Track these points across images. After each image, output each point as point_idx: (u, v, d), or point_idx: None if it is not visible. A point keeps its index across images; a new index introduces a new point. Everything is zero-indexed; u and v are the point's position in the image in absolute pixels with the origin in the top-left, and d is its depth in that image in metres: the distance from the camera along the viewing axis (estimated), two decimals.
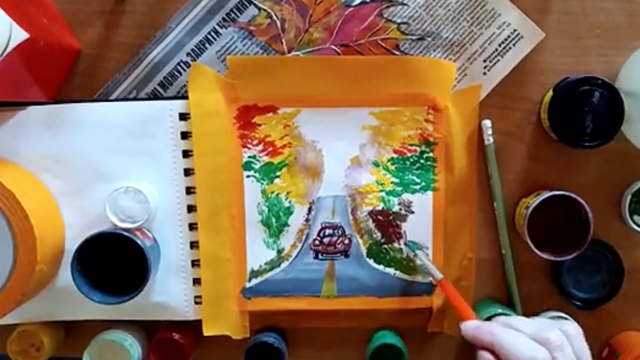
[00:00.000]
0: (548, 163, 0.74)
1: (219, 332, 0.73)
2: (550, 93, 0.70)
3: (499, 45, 0.73)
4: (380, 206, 0.73)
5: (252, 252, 0.74)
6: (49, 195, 0.71)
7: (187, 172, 0.72)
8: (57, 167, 0.71)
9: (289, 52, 0.73)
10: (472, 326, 0.58)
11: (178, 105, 0.71)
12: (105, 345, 0.71)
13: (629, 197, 0.72)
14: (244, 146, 0.73)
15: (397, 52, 0.73)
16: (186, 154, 0.72)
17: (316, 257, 0.74)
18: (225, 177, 0.72)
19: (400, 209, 0.73)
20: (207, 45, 0.73)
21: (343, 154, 0.73)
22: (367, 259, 0.74)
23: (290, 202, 0.73)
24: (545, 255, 0.70)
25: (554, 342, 0.53)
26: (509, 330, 0.55)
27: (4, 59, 0.60)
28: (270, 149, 0.73)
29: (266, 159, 0.73)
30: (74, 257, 0.66)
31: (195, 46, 0.73)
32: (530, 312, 0.74)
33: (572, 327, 0.56)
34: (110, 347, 0.71)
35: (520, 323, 0.56)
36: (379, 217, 0.74)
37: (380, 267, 0.74)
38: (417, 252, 0.72)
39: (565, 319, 0.72)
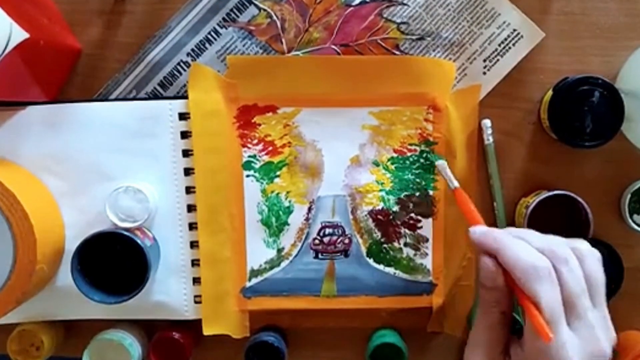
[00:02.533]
0: (548, 163, 0.74)
1: (218, 332, 0.73)
2: (550, 93, 0.70)
3: (499, 45, 0.73)
4: (380, 206, 0.73)
5: (252, 252, 0.74)
6: (49, 195, 0.71)
7: (187, 171, 0.72)
8: (57, 167, 0.71)
9: (289, 52, 0.73)
10: (479, 230, 0.56)
11: (178, 105, 0.71)
12: (105, 344, 0.71)
13: (629, 196, 0.72)
14: (244, 146, 0.73)
15: (397, 52, 0.73)
16: (186, 153, 0.72)
17: (316, 257, 0.74)
18: (225, 177, 0.72)
19: (400, 209, 0.73)
20: (207, 45, 0.73)
21: (343, 153, 0.73)
22: (367, 259, 0.74)
23: (290, 201, 0.73)
24: None
25: (560, 254, 0.51)
26: (515, 238, 0.53)
27: (4, 59, 0.60)
28: (270, 148, 0.73)
29: (266, 158, 0.73)
30: (74, 256, 0.66)
31: (195, 46, 0.73)
32: None
33: (586, 247, 0.53)
34: (110, 347, 0.71)
35: (530, 235, 0.54)
36: (379, 217, 0.74)
37: (380, 267, 0.74)
38: (437, 162, 0.71)
39: None
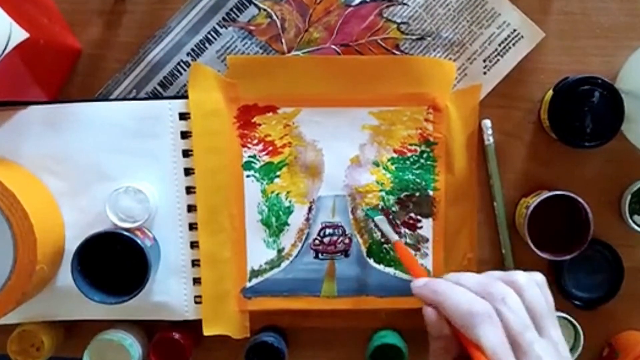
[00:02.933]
0: (548, 163, 0.74)
1: (219, 332, 0.73)
2: (550, 93, 0.70)
3: (499, 45, 0.73)
4: (380, 206, 0.73)
5: (252, 252, 0.74)
6: (49, 195, 0.71)
7: (187, 171, 0.72)
8: (57, 167, 0.71)
9: (289, 51, 0.73)
10: (419, 284, 0.56)
11: (178, 105, 0.71)
12: (105, 345, 0.71)
13: (629, 197, 0.72)
14: (244, 146, 0.73)
15: (397, 52, 0.73)
16: (186, 153, 0.72)
17: (316, 257, 0.74)
18: (225, 177, 0.72)
19: (400, 209, 0.73)
20: (207, 45, 0.73)
21: (343, 153, 0.73)
22: (367, 259, 0.74)
23: (290, 201, 0.73)
24: (545, 255, 0.70)
25: (496, 294, 0.51)
26: (452, 285, 0.53)
27: (4, 59, 0.60)
28: (270, 148, 0.73)
29: (266, 158, 0.73)
30: (74, 256, 0.66)
31: (195, 46, 0.73)
32: None
33: (522, 277, 0.53)
34: (110, 347, 0.71)
35: (467, 278, 0.54)
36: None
37: (381, 267, 0.74)
38: (376, 219, 0.72)
39: (565, 318, 0.72)
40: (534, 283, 0.53)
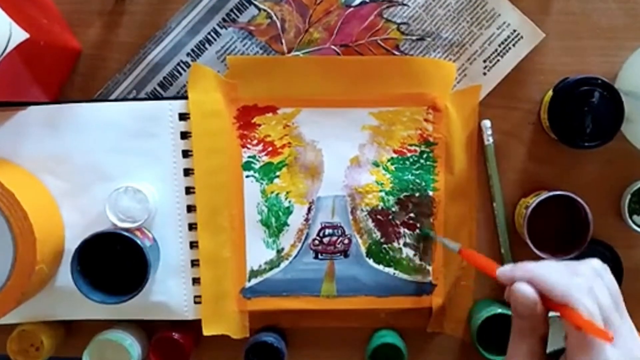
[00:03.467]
0: (548, 163, 0.74)
1: (218, 332, 0.73)
2: (550, 93, 0.70)
3: (499, 46, 0.73)
4: (380, 206, 0.73)
5: (251, 252, 0.74)
6: (49, 195, 0.71)
7: (187, 172, 0.72)
8: (57, 167, 0.71)
9: (289, 52, 0.73)
10: (506, 269, 0.56)
11: (178, 106, 0.71)
12: (105, 344, 0.71)
13: (629, 197, 0.72)
14: (244, 146, 0.73)
15: (397, 53, 0.73)
16: (186, 154, 0.72)
17: (316, 257, 0.74)
18: (224, 177, 0.72)
19: (400, 209, 0.73)
20: (207, 45, 0.73)
21: (343, 154, 0.73)
22: (367, 259, 0.74)
23: (289, 202, 0.73)
24: (545, 255, 0.70)
25: (588, 274, 0.52)
26: (547, 264, 0.54)
27: (4, 59, 0.60)
28: (270, 149, 0.73)
29: (266, 159, 0.73)
30: (73, 256, 0.66)
31: (195, 46, 0.73)
32: None
33: (599, 263, 0.55)
34: (110, 347, 0.71)
35: (546, 262, 0.55)
36: (379, 217, 0.74)
37: (380, 267, 0.74)
38: (431, 232, 0.73)
39: None
40: (608, 270, 0.55)
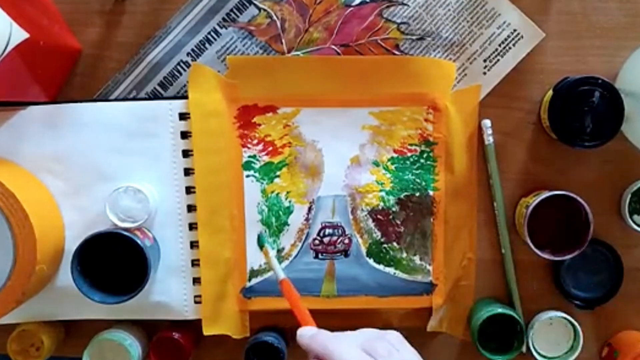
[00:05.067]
0: (548, 163, 0.74)
1: (218, 332, 0.73)
2: (550, 93, 0.70)
3: (499, 45, 0.73)
4: (380, 206, 0.73)
5: (252, 252, 0.74)
6: (49, 195, 0.71)
7: (187, 171, 0.72)
8: (57, 167, 0.71)
9: (289, 52, 0.73)
10: (307, 334, 0.57)
11: (178, 105, 0.71)
12: (105, 344, 0.71)
13: (629, 196, 0.72)
14: (244, 146, 0.73)
15: (397, 52, 0.73)
16: (186, 153, 0.72)
17: (316, 257, 0.74)
18: (225, 177, 0.72)
19: (400, 209, 0.73)
20: (207, 45, 0.73)
21: (343, 153, 0.73)
22: (367, 259, 0.74)
23: (290, 201, 0.73)
24: (545, 255, 0.70)
25: (382, 352, 0.53)
26: (341, 340, 0.55)
27: (4, 59, 0.60)
28: (270, 148, 0.73)
29: (266, 158, 0.73)
30: (73, 256, 0.66)
31: (195, 46, 0.73)
32: (530, 311, 0.74)
33: (395, 335, 0.56)
34: (110, 347, 0.71)
35: (349, 335, 0.56)
36: (379, 217, 0.74)
37: (380, 267, 0.74)
38: (266, 245, 0.72)
39: (565, 318, 0.72)
40: (404, 340, 0.56)
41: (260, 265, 0.74)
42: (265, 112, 0.73)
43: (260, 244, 0.73)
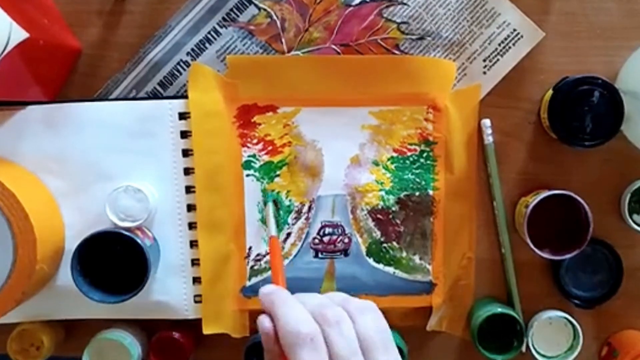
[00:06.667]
0: (548, 162, 0.74)
1: (218, 331, 0.73)
2: (550, 92, 0.70)
3: (499, 45, 0.73)
4: (380, 205, 0.73)
5: (251, 251, 0.74)
6: (49, 195, 0.71)
7: (187, 171, 0.72)
8: (57, 167, 0.71)
9: (289, 51, 0.73)
10: (266, 290, 0.55)
11: (178, 105, 0.71)
12: (105, 344, 0.71)
13: (629, 196, 0.72)
14: (244, 145, 0.73)
15: (397, 52, 0.73)
16: (186, 153, 0.72)
17: (316, 256, 0.74)
18: (225, 176, 0.72)
19: (400, 208, 0.73)
20: (207, 44, 0.73)
21: (343, 153, 0.73)
22: (367, 258, 0.74)
23: (290, 200, 0.73)
24: (545, 255, 0.70)
25: (330, 318, 0.49)
26: (291, 301, 0.52)
27: (4, 59, 0.60)
28: (270, 148, 0.73)
29: (266, 158, 0.73)
30: (73, 256, 0.66)
31: (195, 46, 0.73)
32: (530, 311, 0.74)
33: (359, 303, 0.52)
34: (110, 346, 0.71)
35: (310, 298, 0.53)
36: (379, 216, 0.74)
37: (380, 266, 0.74)
38: (269, 203, 0.72)
39: (565, 318, 0.72)
40: (369, 310, 0.52)
41: (260, 265, 0.74)
42: (265, 111, 0.73)
43: (265, 202, 0.73)
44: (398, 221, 0.74)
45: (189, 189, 0.72)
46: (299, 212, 0.74)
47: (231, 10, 0.72)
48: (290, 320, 0.50)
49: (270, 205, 0.72)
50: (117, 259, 0.70)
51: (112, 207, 0.69)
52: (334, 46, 0.73)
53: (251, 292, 0.74)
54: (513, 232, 0.74)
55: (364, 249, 0.74)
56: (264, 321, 0.52)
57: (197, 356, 0.76)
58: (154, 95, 0.73)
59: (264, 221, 0.73)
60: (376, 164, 0.73)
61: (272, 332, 0.51)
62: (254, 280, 0.74)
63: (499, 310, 0.71)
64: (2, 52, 0.60)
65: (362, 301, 0.52)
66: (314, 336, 0.49)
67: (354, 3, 0.72)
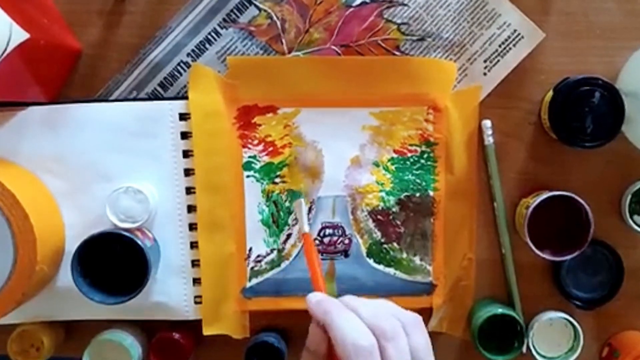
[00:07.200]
0: (548, 163, 0.74)
1: (218, 332, 0.73)
2: (551, 93, 0.70)
3: (499, 46, 0.73)
4: (380, 206, 0.73)
5: (252, 252, 0.74)
6: (49, 195, 0.71)
7: (187, 172, 0.72)
8: (57, 167, 0.71)
9: (289, 52, 0.73)
10: (314, 299, 0.55)
11: (178, 106, 0.71)
12: (105, 345, 0.71)
13: (629, 197, 0.72)
14: (244, 146, 0.73)
15: (397, 53, 0.73)
16: (186, 154, 0.72)
17: None
18: (225, 177, 0.72)
19: (400, 209, 0.73)
20: (207, 45, 0.73)
21: (343, 154, 0.73)
22: (367, 259, 0.74)
23: (290, 202, 0.73)
24: (545, 255, 0.70)
25: (388, 332, 0.50)
26: (345, 311, 0.52)
27: (4, 59, 0.60)
28: (271, 149, 0.73)
29: (266, 159, 0.73)
30: (74, 257, 0.66)
31: (196, 46, 0.73)
32: (530, 311, 0.74)
33: (411, 317, 0.53)
34: (110, 347, 0.71)
35: (362, 307, 0.53)
36: (379, 217, 0.74)
37: (380, 267, 0.74)
38: (297, 200, 0.71)
39: (565, 319, 0.72)
40: (419, 324, 0.53)
41: (261, 265, 0.74)
42: (266, 112, 0.73)
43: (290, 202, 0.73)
44: (398, 222, 0.74)
45: (189, 190, 0.72)
46: None
47: (231, 11, 0.72)
48: (349, 333, 0.50)
49: (302, 201, 0.70)
50: (117, 260, 0.70)
51: (112, 208, 0.69)
52: (334, 47, 0.73)
53: (251, 293, 0.74)
54: (513, 233, 0.74)
55: (364, 250, 0.74)
56: (315, 329, 0.53)
57: (197, 357, 0.76)
58: (155, 96, 0.73)
59: (264, 222, 0.73)
60: (376, 164, 0.73)
61: (324, 339, 0.52)
62: (254, 281, 0.74)
63: (500, 311, 0.71)
64: (3, 53, 0.60)
65: (413, 314, 0.53)
66: (373, 350, 0.49)
67: (354, 4, 0.72)
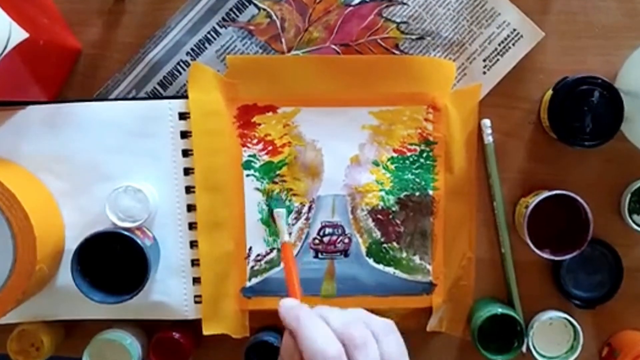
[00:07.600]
0: (548, 162, 0.74)
1: (218, 331, 0.73)
2: (550, 92, 0.70)
3: (499, 45, 0.73)
4: (380, 205, 0.73)
5: (252, 251, 0.74)
6: (49, 195, 0.71)
7: (187, 171, 0.72)
8: (57, 167, 0.71)
9: (289, 51, 0.73)
10: (286, 305, 0.55)
11: (178, 105, 0.71)
12: (105, 344, 0.71)
13: (629, 196, 0.72)
14: (244, 145, 0.73)
15: (396, 52, 0.73)
16: (186, 153, 0.72)
17: (316, 256, 0.74)
18: (225, 176, 0.72)
19: (400, 208, 0.73)
20: (206, 44, 0.73)
21: (343, 153, 0.73)
22: (367, 258, 0.74)
23: (290, 201, 0.73)
24: (545, 255, 0.70)
25: (357, 339, 0.50)
26: (316, 319, 0.52)
27: (4, 59, 0.60)
28: (270, 148, 0.73)
29: (266, 158, 0.73)
30: (73, 256, 0.66)
31: (195, 45, 0.73)
32: (530, 311, 0.74)
33: (382, 324, 0.53)
34: (110, 347, 0.71)
35: (332, 315, 0.53)
36: (379, 216, 0.74)
37: (380, 267, 0.74)
38: (277, 210, 0.72)
39: (565, 318, 0.72)
40: (391, 331, 0.53)
41: (260, 265, 0.74)
42: (265, 111, 0.73)
43: (270, 210, 0.73)
44: (398, 221, 0.74)
45: (189, 189, 0.72)
46: (299, 212, 0.74)
47: (231, 10, 0.73)
48: (317, 341, 0.50)
49: (284, 211, 0.72)
50: (117, 259, 0.70)
51: (112, 207, 0.69)
52: (333, 46, 0.73)
53: (251, 292, 0.74)
54: (513, 232, 0.74)
55: (364, 250, 0.74)
56: (287, 338, 0.52)
57: (197, 356, 0.76)
58: (154, 95, 0.73)
59: (264, 221, 0.73)
60: (376, 164, 0.73)
61: (296, 349, 0.51)
62: (254, 280, 0.74)
63: (499, 310, 0.70)
64: (2, 52, 0.60)
65: (384, 321, 0.53)
66: (340, 358, 0.49)
67: (353, 3, 0.72)
